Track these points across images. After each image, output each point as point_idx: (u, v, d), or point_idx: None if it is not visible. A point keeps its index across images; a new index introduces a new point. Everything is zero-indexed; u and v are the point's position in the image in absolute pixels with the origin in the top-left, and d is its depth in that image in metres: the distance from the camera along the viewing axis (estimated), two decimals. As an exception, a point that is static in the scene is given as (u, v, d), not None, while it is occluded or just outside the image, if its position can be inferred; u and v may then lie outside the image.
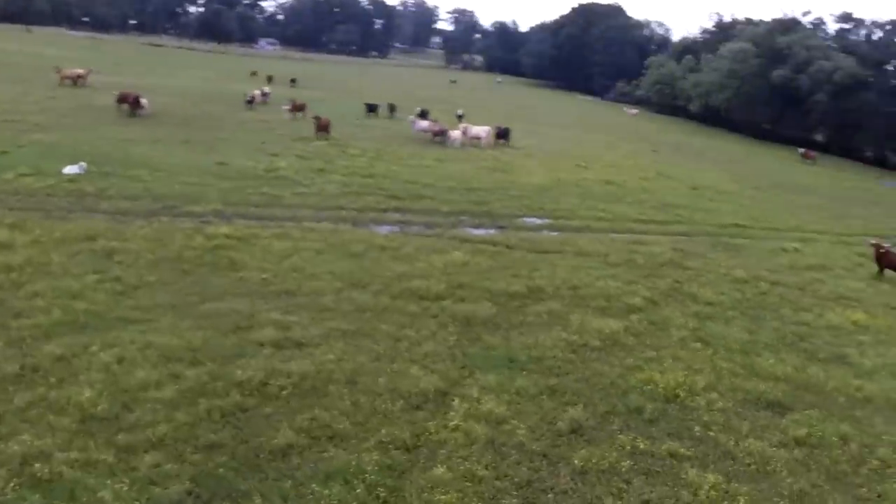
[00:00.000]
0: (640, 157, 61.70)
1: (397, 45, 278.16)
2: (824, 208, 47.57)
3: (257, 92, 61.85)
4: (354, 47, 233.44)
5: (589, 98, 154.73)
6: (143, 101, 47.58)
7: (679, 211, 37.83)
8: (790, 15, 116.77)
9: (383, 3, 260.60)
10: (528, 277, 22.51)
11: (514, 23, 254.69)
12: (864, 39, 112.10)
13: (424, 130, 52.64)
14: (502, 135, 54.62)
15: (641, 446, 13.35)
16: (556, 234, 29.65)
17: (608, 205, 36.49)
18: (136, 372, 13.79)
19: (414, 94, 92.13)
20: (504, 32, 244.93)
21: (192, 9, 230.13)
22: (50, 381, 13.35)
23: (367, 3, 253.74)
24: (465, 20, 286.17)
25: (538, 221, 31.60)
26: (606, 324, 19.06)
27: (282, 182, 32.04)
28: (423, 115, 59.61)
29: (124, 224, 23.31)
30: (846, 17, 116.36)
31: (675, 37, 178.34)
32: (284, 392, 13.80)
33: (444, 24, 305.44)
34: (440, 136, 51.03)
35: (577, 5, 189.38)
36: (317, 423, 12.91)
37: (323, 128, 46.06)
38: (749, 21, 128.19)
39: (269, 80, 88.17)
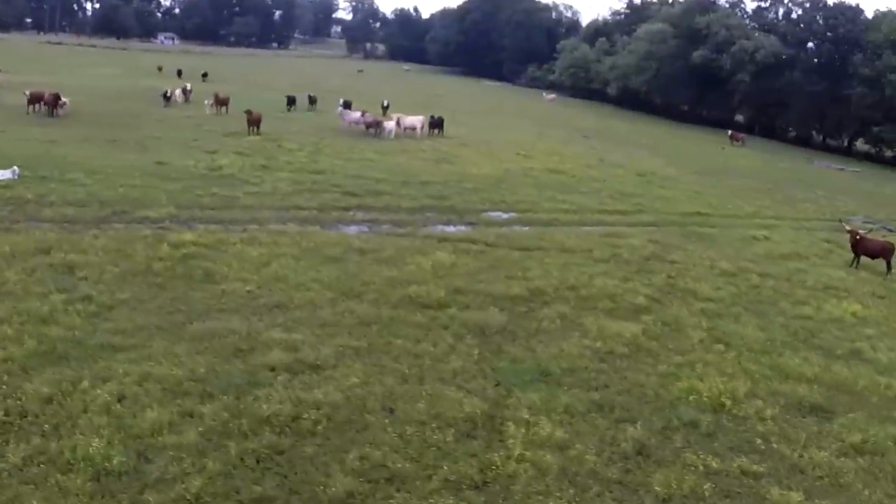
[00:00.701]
0: (574, 144, 60.91)
1: (297, 35, 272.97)
2: (770, 193, 47.38)
3: (178, 91, 57.91)
4: (254, 39, 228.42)
5: (499, 84, 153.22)
6: (64, 99, 44.36)
7: (636, 200, 37.06)
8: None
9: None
10: (523, 278, 21.21)
11: (416, 10, 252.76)
12: (782, 18, 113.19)
13: (356, 122, 50.61)
14: (436, 125, 53.05)
15: (714, 465, 12.36)
16: (527, 228, 28.44)
17: (566, 196, 35.41)
18: (143, 412, 11.74)
19: (323, 84, 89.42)
20: (406, 20, 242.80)
21: (88, 5, 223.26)
22: (44, 428, 11.22)
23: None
24: (364, 9, 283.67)
25: (504, 216, 30.28)
26: (623, 328, 17.98)
27: (229, 181, 29.87)
28: (346, 105, 57.52)
29: (76, 233, 20.92)
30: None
31: (585, 19, 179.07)
32: (320, 427, 11.99)
33: (343, 14, 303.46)
34: (374, 127, 49.07)
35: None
36: (370, 464, 11.18)
37: (254, 122, 43.72)
38: (664, 1, 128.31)
39: (179, 74, 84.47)
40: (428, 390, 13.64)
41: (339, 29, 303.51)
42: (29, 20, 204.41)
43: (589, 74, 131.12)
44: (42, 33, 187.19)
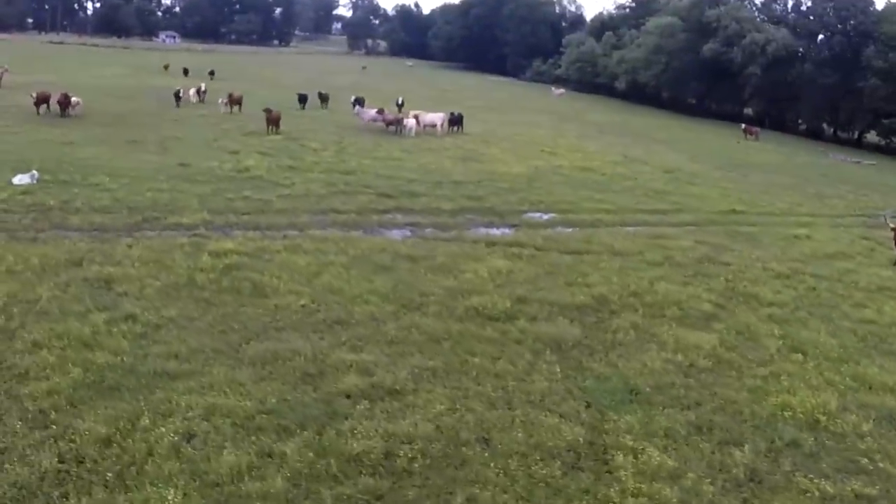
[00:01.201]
0: (594, 139, 59.44)
1: (298, 32, 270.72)
2: (797, 188, 46.08)
3: (192, 90, 55.61)
4: (255, 36, 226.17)
5: (504, 79, 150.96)
6: (75, 99, 43.03)
7: (671, 198, 35.86)
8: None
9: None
10: (584, 285, 20.04)
11: (417, 6, 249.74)
12: (790, 10, 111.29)
13: (374, 120, 49.21)
14: (456, 122, 51.65)
15: (828, 490, 11.53)
16: (571, 230, 27.17)
17: (601, 195, 34.18)
18: (218, 454, 10.44)
19: (330, 81, 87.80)
20: (407, 16, 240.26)
21: (88, 5, 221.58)
22: (106, 477, 9.88)
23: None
24: (364, 5, 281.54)
25: (545, 217, 29.04)
26: (699, 338, 16.96)
27: (259, 183, 28.60)
28: (358, 103, 56.03)
29: (108, 243, 19.65)
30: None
31: (589, 14, 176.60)
32: (416, 465, 10.74)
33: (344, 11, 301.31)
34: (395, 125, 47.71)
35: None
36: (482, 508, 9.89)
37: (274, 121, 42.38)
38: None
39: (185, 73, 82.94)
40: (520, 416, 12.45)
41: (339, 26, 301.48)
42: (30, 20, 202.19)
43: (596, 69, 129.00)
44: (43, 33, 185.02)
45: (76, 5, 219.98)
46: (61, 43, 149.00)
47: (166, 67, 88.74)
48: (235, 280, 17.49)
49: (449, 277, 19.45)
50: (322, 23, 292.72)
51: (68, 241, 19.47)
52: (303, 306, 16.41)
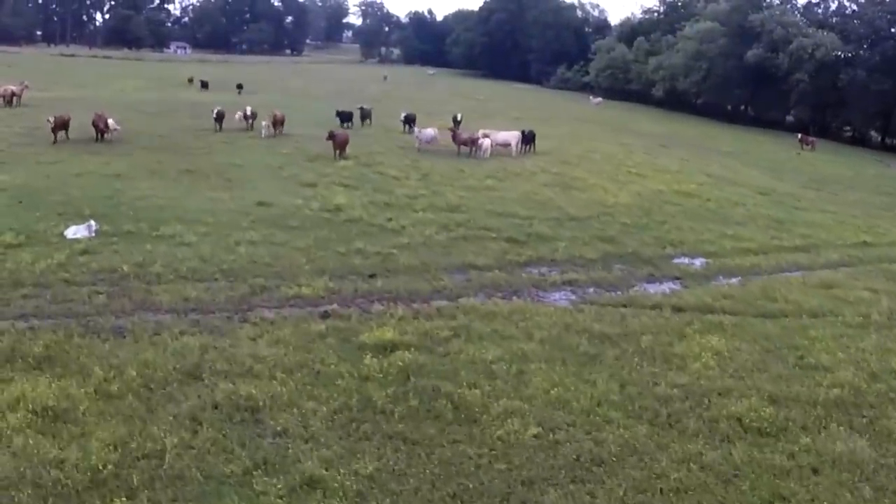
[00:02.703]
0: (663, 154, 54.74)
1: (308, 41, 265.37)
2: (893, 208, 42.20)
3: (238, 114, 46.41)
4: (266, 46, 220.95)
5: (530, 87, 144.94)
6: (113, 122, 37.95)
7: (796, 229, 31.59)
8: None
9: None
10: (815, 368, 15.72)
11: (431, 12, 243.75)
12: (833, 14, 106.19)
13: (432, 141, 43.74)
14: (528, 140, 46.41)
15: None
16: (736, 281, 22.69)
17: (728, 228, 29.79)
18: None
19: (359, 91, 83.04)
20: (421, 23, 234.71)
21: (97, 16, 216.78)
22: None
23: (276, 0, 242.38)
24: (374, 12, 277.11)
25: (696, 263, 24.48)
26: None
27: (364, 229, 23.74)
28: (409, 121, 50.80)
29: (222, 335, 14.66)
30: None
31: (612, 18, 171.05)
32: None
33: (354, 19, 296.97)
34: (468, 146, 42.68)
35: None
36: None
37: (341, 146, 37.27)
38: None
39: (205, 86, 77.92)
40: None
41: (349, 34, 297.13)
42: (39, 32, 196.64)
43: (628, 75, 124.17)
44: (53, 45, 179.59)
45: (85, 16, 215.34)
46: (73, 55, 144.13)
47: (190, 81, 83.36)
48: (423, 395, 12.54)
49: (672, 368, 14.91)
50: (333, 31, 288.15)
51: (167, 334, 14.44)
52: (535, 437, 11.53)
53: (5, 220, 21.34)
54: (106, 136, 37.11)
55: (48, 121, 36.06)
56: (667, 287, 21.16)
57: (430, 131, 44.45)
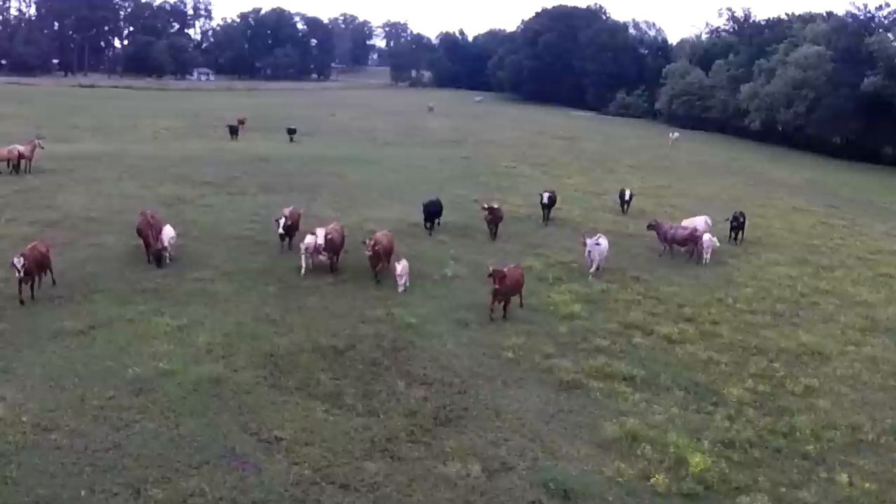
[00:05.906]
0: (835, 216, 44.65)
1: (334, 64, 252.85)
2: None
3: (311, 241, 25.32)
4: (292, 70, 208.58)
5: (587, 114, 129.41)
6: (168, 233, 25.17)
7: None
8: (863, 10, 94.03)
9: (318, 21, 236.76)
10: None
11: (462, 33, 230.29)
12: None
13: (603, 255, 28.19)
14: (739, 227, 33.21)
15: None
16: None
17: None
18: None
19: (422, 125, 70.13)
20: (453, 45, 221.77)
21: (116, 42, 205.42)
22: None
23: (300, 22, 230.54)
24: (397, 33, 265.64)
25: None
26: None
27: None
28: (552, 202, 35.76)
29: None
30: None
31: (670, 37, 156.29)
32: None
33: (378, 41, 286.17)
34: (685, 245, 29.90)
35: (549, 8, 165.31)
36: None
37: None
38: (805, 18, 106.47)
39: (234, 132, 63.87)
40: None
41: (375, 56, 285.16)
42: (55, 61, 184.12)
43: (706, 103, 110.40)
44: (70, 74, 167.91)
45: (103, 43, 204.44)
46: (92, 86, 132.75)
47: (233, 131, 65.09)
48: None
49: None
50: (358, 54, 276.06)
51: None
52: None
53: None
54: (163, 256, 24.68)
55: (15, 270, 20.63)
56: None
57: (603, 242, 28.39)
